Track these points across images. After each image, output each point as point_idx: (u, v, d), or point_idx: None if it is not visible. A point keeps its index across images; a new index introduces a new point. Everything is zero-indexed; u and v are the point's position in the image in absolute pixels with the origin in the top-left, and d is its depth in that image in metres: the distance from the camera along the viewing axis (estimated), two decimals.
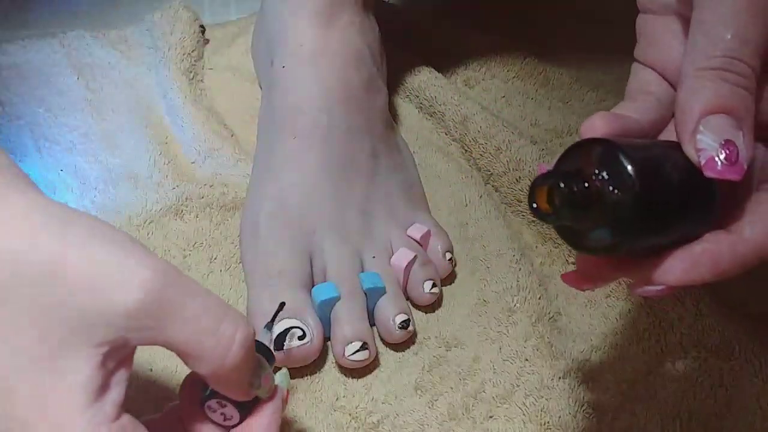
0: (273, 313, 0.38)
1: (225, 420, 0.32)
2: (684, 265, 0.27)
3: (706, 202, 0.28)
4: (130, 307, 0.26)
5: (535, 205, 0.26)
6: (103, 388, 0.27)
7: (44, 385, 0.26)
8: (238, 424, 0.32)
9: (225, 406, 0.32)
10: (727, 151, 0.26)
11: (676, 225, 0.27)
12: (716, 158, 0.26)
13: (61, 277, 0.26)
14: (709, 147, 0.27)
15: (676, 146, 0.28)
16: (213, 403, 0.32)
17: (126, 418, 0.28)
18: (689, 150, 0.27)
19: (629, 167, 0.25)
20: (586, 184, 0.26)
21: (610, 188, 0.26)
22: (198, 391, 0.32)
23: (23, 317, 0.26)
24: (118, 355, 0.28)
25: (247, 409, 0.33)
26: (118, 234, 0.28)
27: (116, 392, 0.28)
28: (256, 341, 0.33)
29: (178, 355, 0.29)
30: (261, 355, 0.33)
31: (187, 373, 0.32)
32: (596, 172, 0.26)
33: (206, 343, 0.28)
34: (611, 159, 0.26)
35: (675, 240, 0.27)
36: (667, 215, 0.27)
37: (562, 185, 0.25)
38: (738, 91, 0.27)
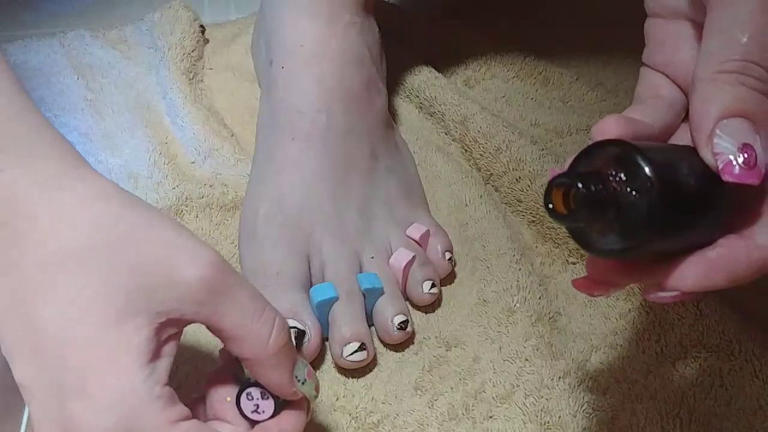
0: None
1: (253, 413, 0.32)
2: (698, 271, 0.27)
3: (720, 206, 0.27)
4: (195, 282, 0.29)
5: (551, 206, 0.26)
6: (156, 353, 0.29)
7: (105, 340, 0.28)
8: (267, 419, 0.33)
9: (267, 397, 0.33)
10: (746, 155, 0.26)
11: (691, 228, 0.27)
12: (734, 162, 0.26)
13: (138, 249, 0.29)
14: (727, 151, 0.26)
15: (691, 150, 0.28)
16: (255, 390, 0.32)
17: (170, 388, 0.30)
18: (706, 154, 0.27)
19: (647, 169, 0.25)
20: (604, 186, 0.25)
21: (628, 189, 0.25)
22: (229, 381, 0.33)
23: (97, 279, 0.28)
24: (171, 327, 0.30)
25: (280, 406, 0.33)
26: (179, 223, 0.31)
27: (166, 361, 0.30)
28: None
29: (223, 338, 0.31)
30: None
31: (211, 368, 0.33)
32: (613, 173, 0.26)
33: (253, 325, 0.31)
34: (629, 160, 0.26)
35: (689, 244, 0.27)
36: (683, 218, 0.26)
37: (580, 186, 0.25)
38: (755, 95, 0.27)
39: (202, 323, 0.31)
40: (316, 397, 0.34)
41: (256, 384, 0.32)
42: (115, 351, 0.28)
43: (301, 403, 0.34)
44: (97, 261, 0.28)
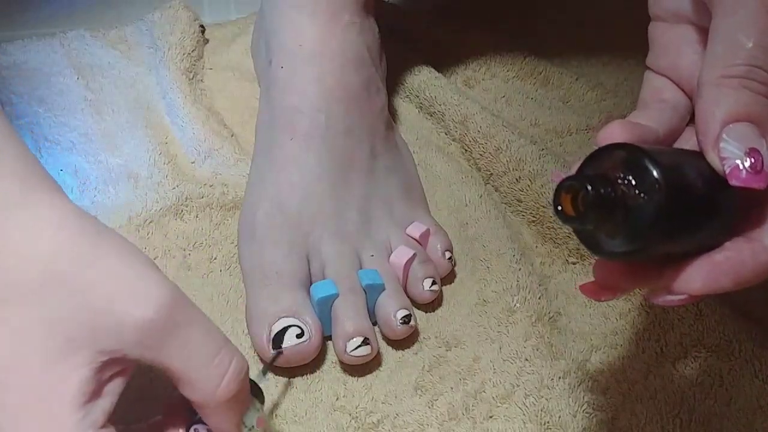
0: (270, 359, 0.39)
1: None
2: (705, 274, 0.27)
3: (727, 209, 0.28)
4: (140, 323, 0.28)
5: (560, 208, 0.26)
6: (95, 393, 0.28)
7: (41, 380, 0.27)
8: None
9: None
10: (752, 160, 0.26)
11: (698, 231, 0.27)
12: (741, 167, 0.26)
13: (84, 285, 0.27)
14: (733, 155, 0.26)
15: (697, 154, 0.28)
16: (201, 427, 0.32)
17: (110, 429, 0.28)
18: (712, 158, 0.27)
19: (655, 172, 0.25)
20: (612, 188, 0.26)
21: (636, 192, 0.26)
22: (184, 410, 0.32)
23: (37, 315, 0.27)
24: (114, 366, 0.28)
25: None
26: (138, 254, 0.29)
27: (107, 401, 0.28)
28: (250, 380, 0.33)
29: (172, 379, 0.30)
30: (255, 398, 0.33)
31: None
32: (621, 176, 0.26)
33: (201, 371, 0.29)
34: (636, 164, 0.26)
35: (696, 247, 0.27)
36: (690, 220, 0.27)
37: (589, 188, 0.25)
38: (760, 99, 0.27)
39: (149, 365, 0.29)
40: None
41: (200, 420, 0.31)
42: (50, 393, 0.27)
43: None
44: (36, 298, 0.27)
